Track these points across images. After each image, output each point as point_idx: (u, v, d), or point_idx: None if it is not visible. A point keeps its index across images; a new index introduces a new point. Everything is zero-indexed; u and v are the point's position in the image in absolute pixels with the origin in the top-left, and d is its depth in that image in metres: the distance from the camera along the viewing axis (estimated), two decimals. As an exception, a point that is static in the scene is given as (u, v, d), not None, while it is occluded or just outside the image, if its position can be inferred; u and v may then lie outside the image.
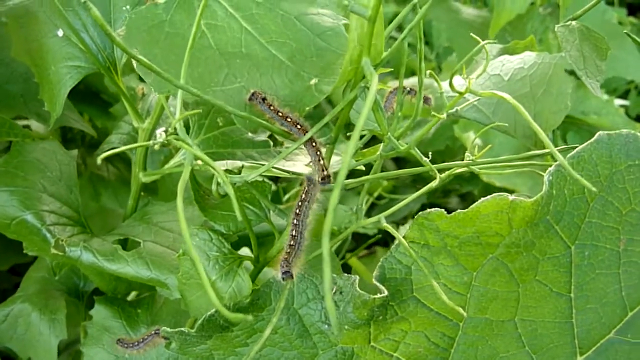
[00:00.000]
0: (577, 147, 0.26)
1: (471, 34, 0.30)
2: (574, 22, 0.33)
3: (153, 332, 0.28)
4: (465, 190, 0.64)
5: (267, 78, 0.26)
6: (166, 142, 0.25)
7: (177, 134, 0.26)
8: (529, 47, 0.38)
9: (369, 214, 0.38)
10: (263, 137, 0.34)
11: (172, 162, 0.31)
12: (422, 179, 0.67)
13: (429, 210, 0.24)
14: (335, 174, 0.28)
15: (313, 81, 0.27)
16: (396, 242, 0.26)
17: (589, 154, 0.24)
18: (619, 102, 0.61)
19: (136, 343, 0.28)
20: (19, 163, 0.35)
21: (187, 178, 0.23)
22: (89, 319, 0.43)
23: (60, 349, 0.43)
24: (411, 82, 0.74)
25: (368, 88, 0.31)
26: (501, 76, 0.37)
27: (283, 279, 0.24)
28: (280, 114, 0.25)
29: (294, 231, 0.24)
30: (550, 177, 0.23)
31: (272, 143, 0.35)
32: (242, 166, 0.32)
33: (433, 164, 0.31)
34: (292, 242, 0.24)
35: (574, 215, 0.24)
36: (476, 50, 0.31)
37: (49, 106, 0.31)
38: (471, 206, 0.24)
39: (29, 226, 0.34)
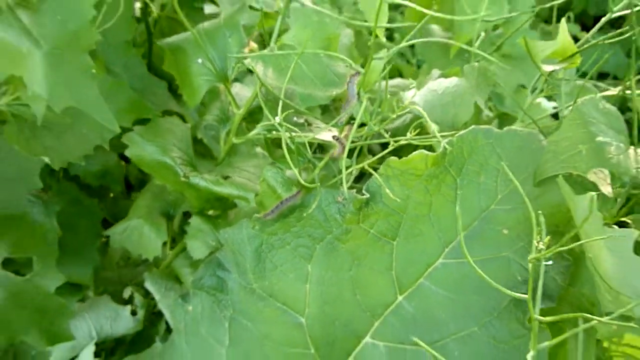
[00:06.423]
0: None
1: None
2: (476, 64, 0.58)
3: (291, 196, 0.50)
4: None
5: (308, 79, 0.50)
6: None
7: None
8: (457, 74, 0.63)
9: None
10: (301, 120, 0.58)
11: (252, 133, 0.55)
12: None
13: (391, 157, 0.49)
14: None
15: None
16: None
17: (467, 135, 0.48)
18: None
19: (271, 210, 0.51)
20: (157, 129, 0.59)
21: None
22: (178, 231, 0.67)
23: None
24: (397, 82, 0.99)
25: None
26: (437, 91, 0.62)
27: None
28: None
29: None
30: (445, 144, 0.48)
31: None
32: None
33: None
34: None
35: (458, 167, 0.48)
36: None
37: (189, 100, 0.55)
38: (410, 155, 0.48)
39: (167, 166, 0.56)
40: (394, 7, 1.67)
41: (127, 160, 0.79)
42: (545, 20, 1.81)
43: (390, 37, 1.36)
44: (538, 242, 0.33)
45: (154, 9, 0.59)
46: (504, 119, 0.85)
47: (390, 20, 1.40)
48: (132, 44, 0.63)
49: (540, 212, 0.37)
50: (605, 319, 0.32)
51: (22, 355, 0.72)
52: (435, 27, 0.98)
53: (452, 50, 0.89)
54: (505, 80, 0.74)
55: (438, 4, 1.01)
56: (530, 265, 0.35)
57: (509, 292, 0.37)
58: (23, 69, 0.44)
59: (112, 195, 0.89)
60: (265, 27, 0.61)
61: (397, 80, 0.99)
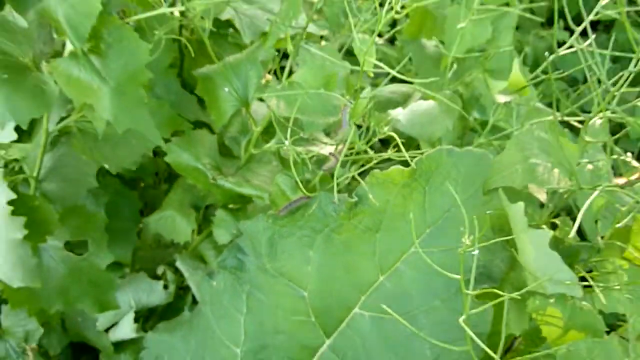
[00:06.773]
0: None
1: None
2: (448, 91, 0.71)
3: (299, 198, 0.63)
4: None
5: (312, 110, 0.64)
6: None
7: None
8: (433, 98, 0.76)
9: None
10: (306, 136, 0.71)
11: (266, 146, 0.68)
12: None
13: (374, 170, 0.62)
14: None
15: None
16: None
17: (434, 154, 0.60)
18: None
19: (283, 208, 0.64)
20: (191, 140, 0.72)
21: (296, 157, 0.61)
22: (203, 220, 0.82)
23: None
24: (393, 87, 1.11)
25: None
26: (417, 111, 0.75)
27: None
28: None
29: None
30: (417, 160, 0.61)
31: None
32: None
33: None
34: None
35: (426, 178, 0.62)
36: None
37: (216, 121, 0.68)
38: (390, 168, 0.61)
39: (198, 170, 0.67)
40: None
41: (156, 155, 0.93)
42: (542, 23, 1.91)
43: (392, 41, 1.47)
44: (465, 239, 0.46)
45: (185, 40, 0.72)
46: (484, 126, 0.98)
47: (396, 21, 1.49)
48: (169, 67, 0.77)
49: (474, 215, 0.51)
50: (515, 294, 0.46)
51: (71, 321, 0.87)
52: (428, 43, 1.10)
53: (442, 64, 1.02)
54: (486, 92, 0.87)
55: (431, 21, 1.14)
56: (460, 255, 0.48)
57: (448, 274, 0.50)
58: (94, 100, 0.58)
59: (142, 185, 1.04)
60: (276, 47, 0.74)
61: (392, 87, 1.11)
